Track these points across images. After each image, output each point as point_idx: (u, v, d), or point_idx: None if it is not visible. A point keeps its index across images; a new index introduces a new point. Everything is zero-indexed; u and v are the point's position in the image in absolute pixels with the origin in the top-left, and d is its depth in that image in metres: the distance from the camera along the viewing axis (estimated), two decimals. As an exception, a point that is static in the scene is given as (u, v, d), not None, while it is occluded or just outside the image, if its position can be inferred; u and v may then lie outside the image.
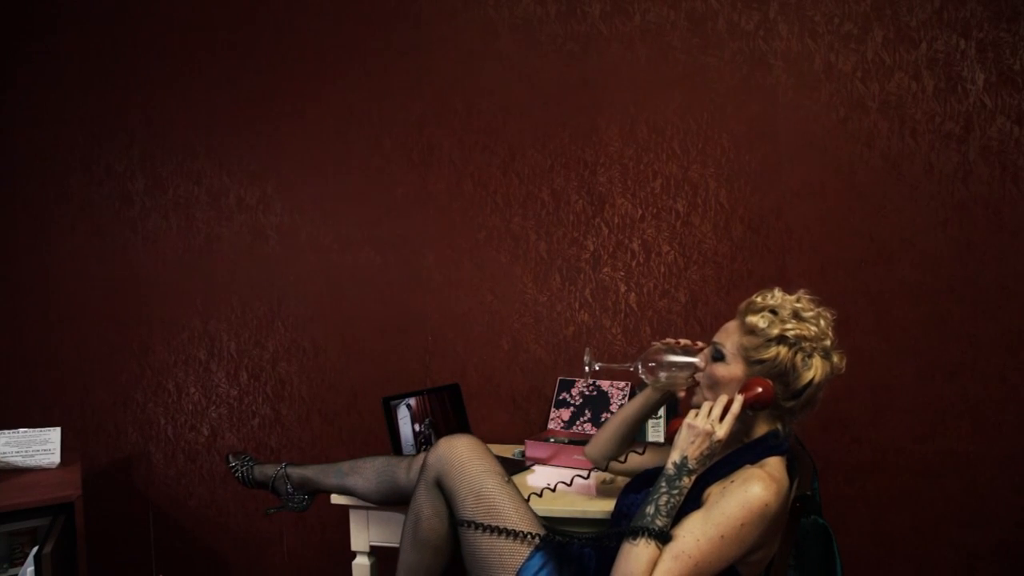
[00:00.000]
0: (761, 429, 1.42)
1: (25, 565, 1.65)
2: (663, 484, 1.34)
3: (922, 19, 2.09)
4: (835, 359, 1.40)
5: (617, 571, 1.30)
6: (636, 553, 1.29)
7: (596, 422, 2.16)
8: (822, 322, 1.40)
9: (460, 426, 2.17)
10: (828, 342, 1.40)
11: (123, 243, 2.60)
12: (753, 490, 1.28)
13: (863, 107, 2.13)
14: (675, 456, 1.35)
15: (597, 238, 2.32)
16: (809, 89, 2.16)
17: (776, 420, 1.41)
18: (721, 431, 1.34)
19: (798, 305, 1.41)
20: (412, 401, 2.06)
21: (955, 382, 2.09)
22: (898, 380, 2.12)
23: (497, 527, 1.49)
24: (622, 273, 2.31)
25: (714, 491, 1.33)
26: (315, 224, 2.51)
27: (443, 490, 1.59)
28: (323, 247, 2.51)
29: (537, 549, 1.46)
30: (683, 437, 1.36)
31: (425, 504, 1.61)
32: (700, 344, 1.56)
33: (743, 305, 1.44)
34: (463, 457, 1.57)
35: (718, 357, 1.43)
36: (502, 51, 2.37)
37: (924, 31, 2.09)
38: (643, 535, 1.30)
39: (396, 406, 2.02)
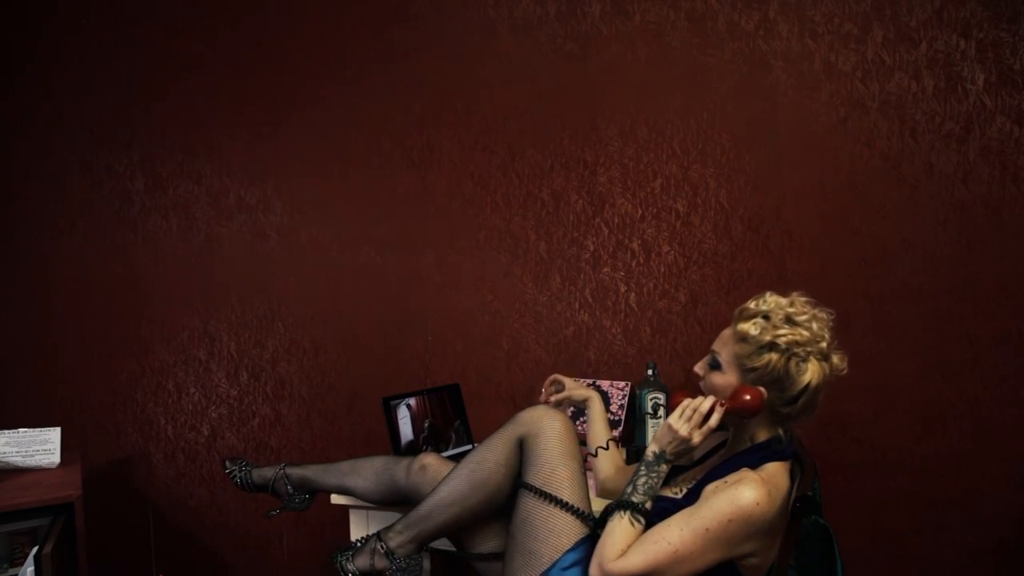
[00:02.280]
0: (764, 434, 1.41)
1: (25, 565, 1.65)
2: (642, 468, 1.40)
3: (922, 19, 2.09)
4: (835, 360, 1.39)
5: (597, 548, 1.35)
6: (613, 529, 1.34)
7: (596, 422, 2.16)
8: (815, 325, 1.38)
9: (460, 426, 2.17)
10: (824, 344, 1.38)
11: (123, 243, 2.60)
12: (743, 490, 1.28)
13: (863, 107, 2.13)
14: (654, 447, 1.41)
15: (597, 238, 2.32)
16: (809, 89, 2.16)
17: (776, 425, 1.41)
18: (697, 438, 1.37)
19: (791, 309, 1.39)
20: (412, 401, 2.06)
21: (955, 382, 2.08)
22: (898, 380, 2.12)
23: (561, 500, 1.48)
24: (622, 273, 2.31)
25: (709, 489, 1.34)
26: (315, 224, 2.51)
27: (522, 449, 1.57)
28: (323, 247, 2.51)
29: (581, 542, 1.46)
30: (662, 434, 1.41)
31: (497, 451, 1.59)
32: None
33: (736, 311, 1.43)
34: (557, 432, 1.56)
35: (715, 366, 1.43)
36: (502, 51, 2.37)
37: (924, 31, 2.09)
38: (619, 509, 1.36)
39: (396, 406, 2.02)
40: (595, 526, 1.49)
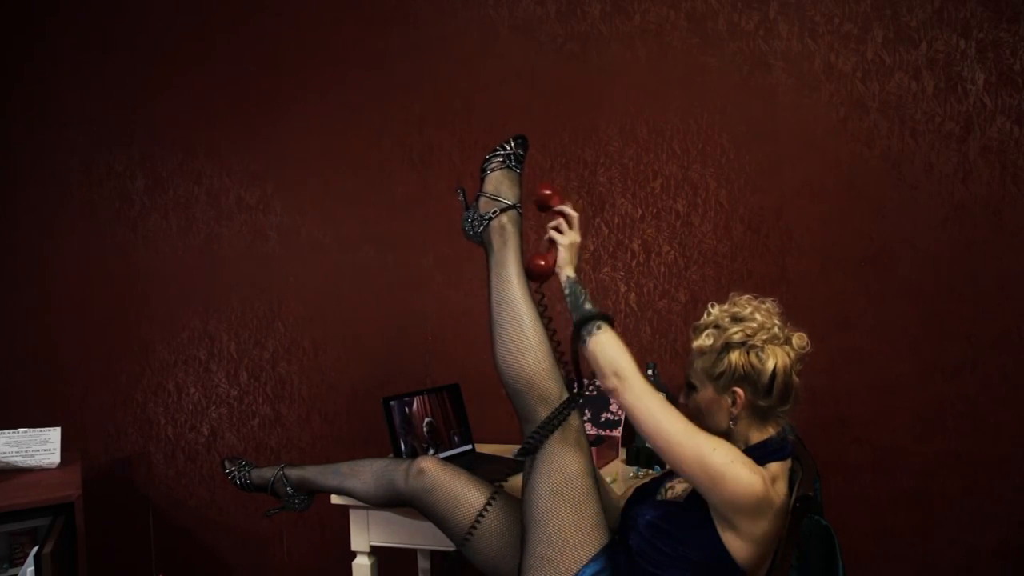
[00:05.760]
0: (757, 435, 1.41)
1: (25, 565, 1.65)
2: (576, 288, 1.54)
3: (922, 19, 2.09)
4: (794, 340, 1.40)
5: (599, 365, 1.44)
6: (603, 340, 1.45)
7: (596, 422, 2.16)
8: (759, 315, 1.41)
9: (460, 426, 2.17)
10: (775, 329, 1.40)
11: (123, 243, 2.60)
12: (746, 467, 1.30)
13: (863, 107, 2.13)
14: (569, 271, 1.57)
15: (597, 238, 2.32)
16: (809, 89, 2.16)
17: (766, 423, 1.41)
18: (577, 236, 1.61)
19: (735, 309, 1.43)
20: (412, 401, 2.06)
21: (955, 382, 2.09)
22: (898, 380, 2.12)
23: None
24: (622, 273, 2.31)
25: None
26: (315, 224, 2.51)
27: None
28: (323, 247, 2.51)
29: (601, 553, 1.44)
30: (565, 257, 1.58)
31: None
32: None
33: (691, 332, 1.48)
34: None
35: (692, 388, 1.47)
36: (502, 51, 2.37)
37: (924, 31, 2.09)
38: (589, 323, 1.47)
39: (396, 406, 2.02)
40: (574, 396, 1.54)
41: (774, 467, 1.36)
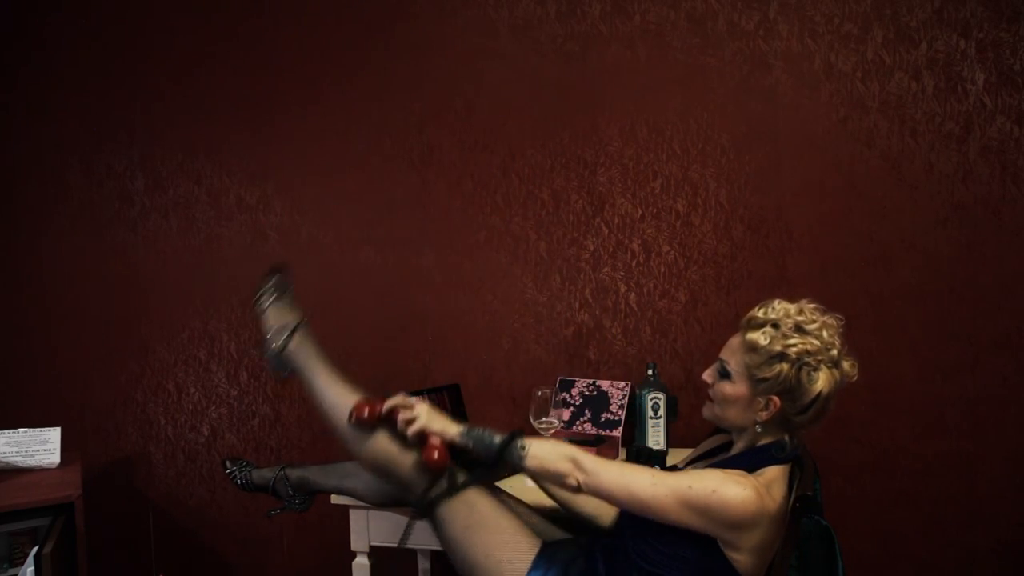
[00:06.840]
0: (766, 438, 1.40)
1: (25, 565, 1.65)
2: (470, 443, 1.47)
3: (922, 19, 2.09)
4: (846, 367, 1.36)
5: (550, 472, 1.39)
6: (537, 451, 1.41)
7: (596, 422, 2.16)
8: (825, 333, 1.35)
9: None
10: (835, 352, 1.35)
11: (123, 243, 2.60)
12: (733, 485, 1.28)
13: (863, 107, 2.13)
14: (451, 430, 1.49)
15: (597, 238, 2.32)
16: (809, 89, 2.16)
17: (785, 432, 1.39)
18: (422, 403, 1.55)
19: (800, 318, 1.35)
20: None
21: (955, 382, 2.09)
22: (898, 380, 2.12)
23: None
24: (622, 273, 2.31)
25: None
26: (315, 224, 2.51)
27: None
28: (323, 247, 2.51)
29: (538, 559, 1.43)
30: (437, 428, 1.50)
31: None
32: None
33: (744, 320, 1.40)
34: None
35: (724, 375, 1.41)
36: (502, 51, 2.36)
37: (924, 31, 2.09)
38: (510, 448, 1.42)
39: (396, 406, 2.01)
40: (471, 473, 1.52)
41: (771, 471, 1.35)
